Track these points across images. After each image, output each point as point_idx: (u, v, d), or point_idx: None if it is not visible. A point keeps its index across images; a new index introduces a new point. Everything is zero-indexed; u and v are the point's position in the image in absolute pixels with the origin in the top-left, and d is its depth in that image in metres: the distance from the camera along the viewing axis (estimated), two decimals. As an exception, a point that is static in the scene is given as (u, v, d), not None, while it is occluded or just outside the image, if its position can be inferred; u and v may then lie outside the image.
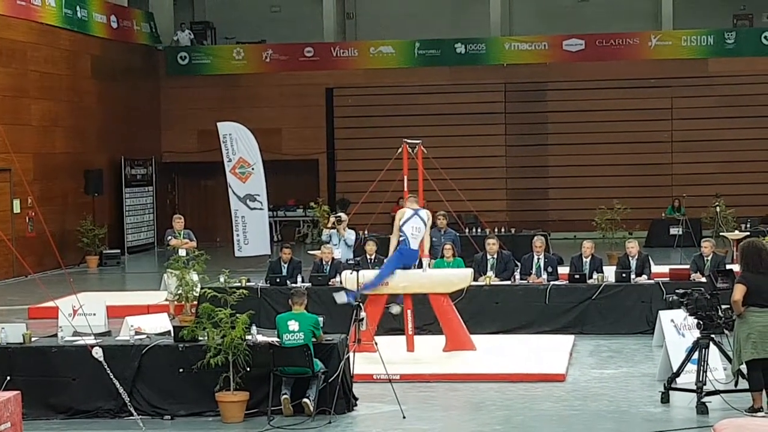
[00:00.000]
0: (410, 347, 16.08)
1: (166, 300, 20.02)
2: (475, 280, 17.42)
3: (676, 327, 13.96)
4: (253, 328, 12.79)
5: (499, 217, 33.03)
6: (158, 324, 14.92)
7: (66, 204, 30.50)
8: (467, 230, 25.61)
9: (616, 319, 17.78)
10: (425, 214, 16.09)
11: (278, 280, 18.58)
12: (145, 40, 35.79)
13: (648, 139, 35.32)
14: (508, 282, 18.47)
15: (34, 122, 29.13)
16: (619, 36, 35.58)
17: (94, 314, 16.08)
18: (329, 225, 21.25)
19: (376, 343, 13.49)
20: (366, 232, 22.91)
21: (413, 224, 15.86)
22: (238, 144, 26.33)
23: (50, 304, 17.49)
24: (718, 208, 28.96)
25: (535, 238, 19.16)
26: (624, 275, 18.05)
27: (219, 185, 31.23)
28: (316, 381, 12.50)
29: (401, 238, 15.83)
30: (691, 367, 12.66)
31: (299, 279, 18.68)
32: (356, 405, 13.00)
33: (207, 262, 19.14)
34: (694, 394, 12.35)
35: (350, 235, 20.73)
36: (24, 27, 28.58)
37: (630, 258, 18.59)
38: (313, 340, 12.64)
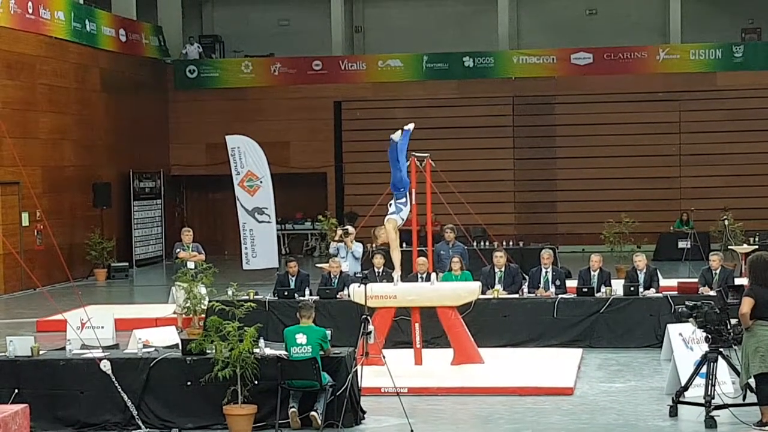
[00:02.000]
0: (418, 360, 16.07)
1: (174, 313, 20.04)
2: (483, 293, 17.40)
3: (685, 341, 13.94)
4: (261, 342, 12.80)
5: (507, 230, 33.00)
6: (166, 337, 14.93)
7: (74, 217, 30.55)
8: (475, 243, 25.59)
9: (624, 332, 17.75)
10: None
11: (286, 293, 18.57)
12: (153, 53, 35.87)
13: (656, 152, 35.30)
14: (516, 295, 18.46)
15: (42, 135, 29.19)
16: (627, 49, 35.59)
17: (102, 327, 16.15)
18: (337, 238, 21.25)
19: (383, 357, 13.48)
20: (374, 245, 22.88)
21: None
22: (246, 157, 26.39)
23: (58, 317, 17.53)
24: (726, 222, 28.95)
25: (543, 251, 19.13)
26: (632, 289, 18.02)
27: (227, 198, 31.22)
28: (323, 394, 12.49)
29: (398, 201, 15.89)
30: (700, 381, 12.64)
31: (307, 292, 18.68)
32: (364, 418, 13.00)
33: (215, 275, 19.15)
34: (703, 407, 12.33)
35: (358, 248, 20.74)
36: (33, 40, 28.66)
37: (638, 271, 18.57)
38: (321, 353, 12.64)
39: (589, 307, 17.92)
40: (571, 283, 19.07)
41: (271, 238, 26.62)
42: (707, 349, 12.49)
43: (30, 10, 28.18)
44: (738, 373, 12.40)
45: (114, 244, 31.25)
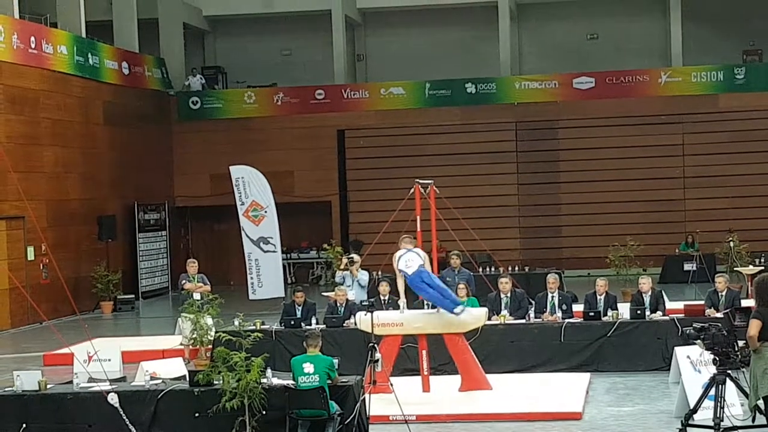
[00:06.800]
0: (426, 388, 16.05)
1: (181, 344, 20.00)
2: (489, 319, 17.39)
3: (693, 363, 13.90)
4: (269, 371, 12.78)
5: (512, 255, 33.01)
6: (173, 368, 14.92)
7: (80, 250, 30.57)
8: (481, 269, 25.58)
9: (631, 356, 17.71)
10: (419, 251, 15.92)
11: (293, 322, 18.56)
12: (156, 85, 35.97)
13: (660, 175, 35.32)
14: (523, 320, 18.42)
15: (47, 169, 29.25)
16: (629, 73, 35.66)
17: (109, 360, 16.11)
18: (342, 266, 21.23)
19: (391, 384, 13.46)
20: (379, 273, 22.87)
21: (405, 258, 15.75)
22: (251, 187, 26.43)
23: (65, 350, 17.52)
24: (731, 243, 28.92)
25: (549, 275, 19.12)
26: (639, 312, 17.99)
27: (232, 228, 31.31)
28: (332, 423, 12.47)
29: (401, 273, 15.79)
30: (708, 404, 12.59)
31: (314, 321, 18.67)
32: (373, 447, 12.98)
33: (221, 305, 19.11)
34: (712, 430, 12.28)
35: (363, 276, 20.72)
36: (36, 75, 28.75)
37: (643, 294, 18.53)
38: (329, 382, 12.61)
39: (596, 331, 17.90)
40: (578, 308, 19.03)
41: (277, 268, 26.62)
42: (715, 371, 12.45)
43: (33, 45, 28.29)
44: (746, 395, 12.35)
45: (120, 277, 31.23)
